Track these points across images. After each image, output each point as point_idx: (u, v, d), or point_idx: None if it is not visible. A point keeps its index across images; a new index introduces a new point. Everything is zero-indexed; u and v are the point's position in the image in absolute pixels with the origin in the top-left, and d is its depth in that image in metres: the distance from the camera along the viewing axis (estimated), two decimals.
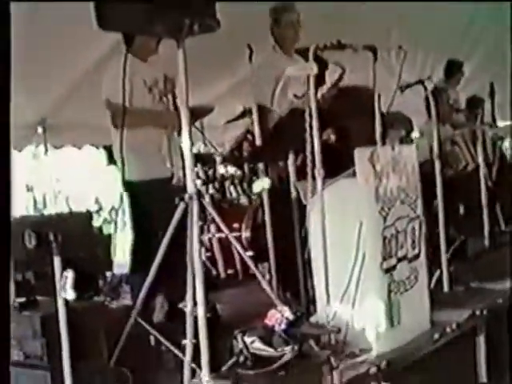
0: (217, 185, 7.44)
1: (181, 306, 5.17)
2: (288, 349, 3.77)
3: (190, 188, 3.91)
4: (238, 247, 4.69)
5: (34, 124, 7.95)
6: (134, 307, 4.35)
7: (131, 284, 5.84)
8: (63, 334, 3.74)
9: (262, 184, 5.52)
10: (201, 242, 6.11)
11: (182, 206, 3.93)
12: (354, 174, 4.23)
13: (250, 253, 6.35)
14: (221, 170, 7.45)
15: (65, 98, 7.40)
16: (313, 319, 4.35)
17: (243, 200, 7.54)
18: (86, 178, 15.48)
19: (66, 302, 3.82)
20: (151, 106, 5.20)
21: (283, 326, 3.91)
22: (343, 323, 4.16)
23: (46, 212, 11.29)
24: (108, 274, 6.71)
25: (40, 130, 8.00)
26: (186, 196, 3.89)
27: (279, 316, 3.92)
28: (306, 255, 4.68)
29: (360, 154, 4.18)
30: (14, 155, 8.34)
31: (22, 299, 4.23)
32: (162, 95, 5.27)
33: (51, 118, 7.95)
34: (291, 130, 4.77)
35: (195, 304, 3.80)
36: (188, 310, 3.75)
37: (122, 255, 7.60)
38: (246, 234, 6.96)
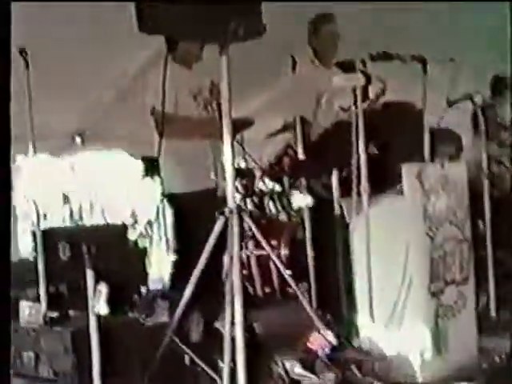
0: (256, 200, 7.27)
1: (217, 325, 5.04)
2: (331, 375, 3.58)
3: (231, 202, 3.75)
4: (280, 266, 4.50)
5: (72, 134, 7.86)
6: (169, 325, 4.18)
7: (170, 300, 5.71)
8: (95, 352, 3.58)
9: (302, 200, 5.35)
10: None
11: (221, 220, 3.76)
12: (400, 192, 4.06)
13: (288, 271, 6.17)
14: (260, 185, 7.28)
15: (104, 108, 7.29)
16: (355, 343, 4.18)
17: (282, 216, 7.35)
18: (122, 190, 15.44)
19: (99, 317, 3.66)
20: (196, 114, 5.05)
21: (326, 351, 3.71)
22: (387, 348, 3.98)
23: (81, 223, 11.25)
24: (143, 289, 6.55)
25: (78, 140, 7.91)
26: (226, 210, 3.74)
27: (322, 340, 3.72)
28: (347, 276, 4.52)
29: (408, 171, 4.01)
30: (52, 165, 8.28)
31: (54, 314, 4.07)
32: (207, 104, 5.12)
33: (89, 129, 7.86)
34: (336, 143, 4.62)
35: (233, 323, 3.64)
36: (226, 330, 3.57)
37: (157, 270, 7.46)
38: (284, 251, 6.78)
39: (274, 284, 6.85)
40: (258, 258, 6.82)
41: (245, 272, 6.75)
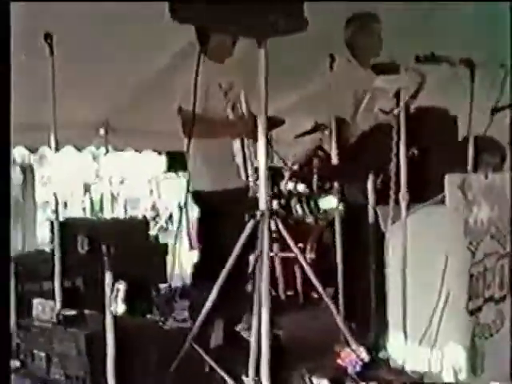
0: (282, 201, 7.06)
1: (238, 329, 4.85)
2: None
3: (263, 204, 3.54)
4: (308, 270, 4.26)
5: (96, 125, 7.71)
6: (190, 329, 3.97)
7: (190, 299, 5.54)
8: (109, 356, 3.37)
9: (332, 203, 5.15)
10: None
11: (252, 223, 3.56)
12: (441, 202, 3.83)
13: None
14: (288, 186, 7.07)
15: (130, 100, 7.11)
16: (382, 355, 3.96)
17: (309, 219, 7.15)
18: (144, 183, 15.34)
19: (115, 319, 3.46)
20: (226, 112, 4.85)
21: (357, 369, 3.48)
22: (420, 367, 3.76)
23: (102, 215, 11.15)
24: (162, 286, 6.37)
25: (102, 131, 7.76)
26: (258, 213, 3.52)
27: (354, 357, 3.49)
28: (379, 286, 4.31)
29: (451, 180, 3.78)
30: (74, 155, 8.16)
31: (68, 312, 3.86)
32: (238, 100, 4.90)
33: (114, 120, 7.70)
34: (373, 146, 4.40)
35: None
36: (252, 341, 3.35)
37: (177, 267, 7.28)
38: (310, 255, 6.61)
39: (298, 287, 6.69)
40: (282, 260, 6.63)
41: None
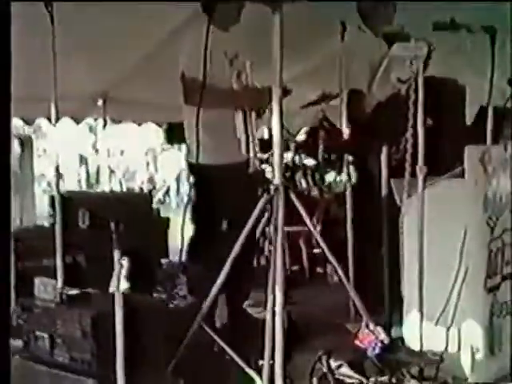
0: (287, 174, 6.89)
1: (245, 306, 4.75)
2: (383, 379, 3.21)
3: (277, 178, 3.39)
4: (323, 244, 4.10)
5: (94, 96, 7.53)
6: (195, 307, 3.85)
7: (188, 274, 5.42)
8: (119, 337, 3.21)
9: (340, 176, 5.03)
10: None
11: (265, 197, 3.45)
12: (459, 175, 3.69)
13: (318, 250, 6.06)
14: (293, 157, 6.92)
15: (129, 72, 6.94)
16: (395, 334, 3.83)
17: (314, 192, 7.00)
18: (141, 156, 15.20)
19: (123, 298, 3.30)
20: (231, 81, 4.67)
21: (377, 351, 3.35)
22: (437, 347, 3.64)
23: (98, 188, 11.02)
24: (164, 261, 6.25)
25: (100, 102, 7.58)
26: (272, 187, 3.38)
27: (373, 338, 3.35)
28: (392, 262, 4.19)
29: (471, 153, 3.65)
30: (71, 127, 8.00)
31: (71, 291, 3.70)
32: (243, 70, 4.72)
33: (113, 92, 7.53)
34: (390, 117, 4.27)
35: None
36: (268, 322, 3.21)
37: (177, 241, 7.17)
38: (316, 229, 6.46)
39: (303, 263, 6.58)
40: (288, 234, 6.49)
41: (271, 248, 6.44)
